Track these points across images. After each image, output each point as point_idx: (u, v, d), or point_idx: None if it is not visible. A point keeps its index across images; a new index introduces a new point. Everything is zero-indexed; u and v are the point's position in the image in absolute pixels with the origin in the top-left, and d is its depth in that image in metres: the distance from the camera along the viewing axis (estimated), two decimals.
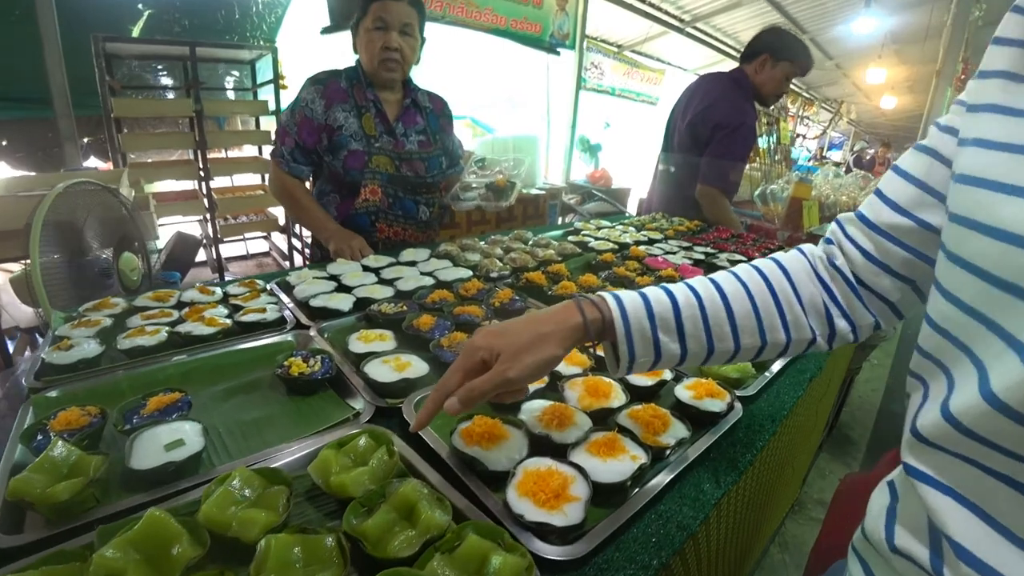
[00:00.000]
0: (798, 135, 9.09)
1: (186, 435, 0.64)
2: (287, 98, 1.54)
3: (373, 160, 1.48)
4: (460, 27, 3.86)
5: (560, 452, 0.64)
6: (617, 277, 1.33)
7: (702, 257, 1.59)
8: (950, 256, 0.39)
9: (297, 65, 3.53)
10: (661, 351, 0.58)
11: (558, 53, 4.75)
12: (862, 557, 0.49)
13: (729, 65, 2.33)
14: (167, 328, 0.93)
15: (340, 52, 1.67)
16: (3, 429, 0.68)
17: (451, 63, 4.00)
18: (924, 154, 0.51)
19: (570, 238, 1.71)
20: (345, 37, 1.53)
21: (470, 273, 1.31)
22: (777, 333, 0.59)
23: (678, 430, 0.72)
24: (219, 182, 3.44)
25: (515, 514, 0.55)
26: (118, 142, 2.86)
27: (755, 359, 0.62)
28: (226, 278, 1.31)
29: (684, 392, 0.80)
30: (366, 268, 1.31)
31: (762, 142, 3.54)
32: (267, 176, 3.02)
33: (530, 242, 1.61)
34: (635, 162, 5.92)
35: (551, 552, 0.52)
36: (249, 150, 3.84)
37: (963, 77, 4.88)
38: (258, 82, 3.62)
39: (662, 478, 0.64)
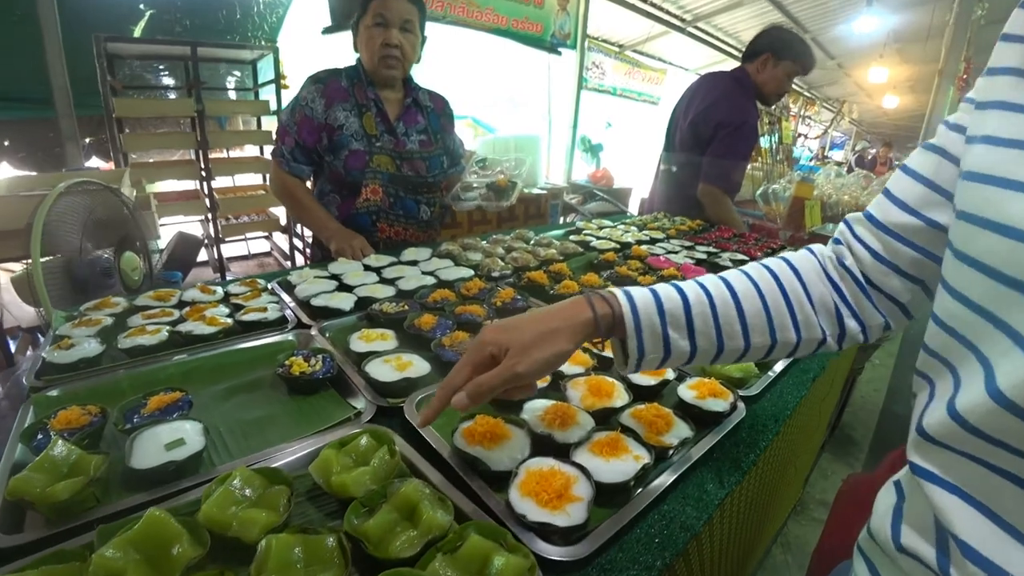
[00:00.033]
0: (800, 135, 9.08)
1: (187, 434, 0.64)
2: (288, 98, 1.54)
3: (374, 160, 1.48)
4: (461, 27, 3.86)
5: (563, 452, 0.64)
6: (619, 276, 1.32)
7: (704, 257, 1.58)
8: (957, 254, 0.39)
9: (298, 65, 3.53)
10: (671, 348, 0.57)
11: (559, 53, 4.75)
12: (867, 557, 0.49)
13: (731, 65, 2.32)
14: (168, 327, 0.93)
15: (341, 52, 1.67)
16: (4, 428, 0.68)
17: (452, 63, 4.00)
18: (932, 153, 0.50)
19: (572, 237, 1.71)
20: (346, 37, 1.53)
21: (471, 272, 1.31)
22: (787, 332, 0.58)
23: (681, 430, 0.71)
24: (220, 182, 3.44)
25: (517, 514, 0.54)
26: (120, 142, 2.86)
27: (764, 359, 0.61)
28: (227, 278, 1.31)
29: (687, 392, 0.80)
30: (367, 267, 1.31)
31: (764, 141, 3.54)
32: (268, 176, 3.02)
33: (532, 241, 1.61)
34: (636, 162, 5.92)
35: (554, 553, 0.52)
36: (250, 150, 3.85)
37: (965, 76, 4.87)
38: (259, 82, 3.62)
39: (665, 478, 0.64)
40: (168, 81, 3.58)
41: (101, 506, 0.56)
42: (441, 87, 1.71)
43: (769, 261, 0.63)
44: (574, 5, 4.65)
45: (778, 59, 2.08)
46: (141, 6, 3.16)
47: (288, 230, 3.71)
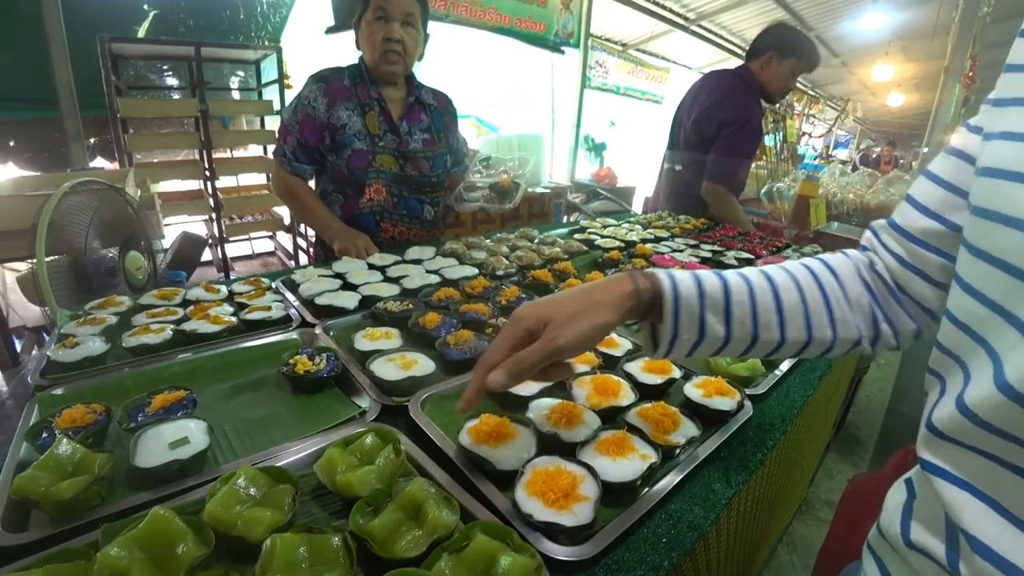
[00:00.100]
0: (804, 133, 9.05)
1: (191, 433, 0.63)
2: (292, 97, 1.54)
3: (377, 159, 1.47)
4: (464, 26, 3.86)
5: (569, 451, 0.63)
6: None
7: (709, 255, 1.57)
8: (972, 250, 0.38)
9: (302, 65, 3.53)
10: (705, 331, 0.56)
11: (562, 52, 4.74)
12: (877, 555, 0.49)
13: (734, 63, 2.31)
14: (172, 326, 0.93)
15: (345, 52, 1.66)
16: (9, 426, 0.68)
17: (455, 62, 4.00)
18: (952, 156, 0.50)
19: (576, 236, 1.70)
20: (350, 37, 1.52)
21: (476, 271, 1.30)
22: (824, 330, 0.57)
23: (688, 429, 0.71)
24: (224, 182, 3.45)
25: (524, 514, 0.54)
26: (124, 142, 2.87)
27: (798, 355, 0.60)
28: (231, 277, 1.31)
29: (693, 390, 0.79)
30: (372, 266, 1.31)
31: (769, 140, 3.53)
32: (271, 175, 3.03)
33: (536, 240, 1.60)
34: (640, 161, 5.91)
35: (561, 552, 0.51)
36: (254, 150, 3.85)
37: (971, 74, 4.83)
38: (263, 82, 3.63)
39: (672, 477, 0.63)
40: (172, 81, 3.59)
41: (105, 505, 0.56)
42: (444, 86, 1.71)
43: (806, 260, 0.62)
44: (577, 4, 4.65)
45: (782, 57, 2.07)
46: (145, 6, 3.17)
47: (292, 230, 3.71)
